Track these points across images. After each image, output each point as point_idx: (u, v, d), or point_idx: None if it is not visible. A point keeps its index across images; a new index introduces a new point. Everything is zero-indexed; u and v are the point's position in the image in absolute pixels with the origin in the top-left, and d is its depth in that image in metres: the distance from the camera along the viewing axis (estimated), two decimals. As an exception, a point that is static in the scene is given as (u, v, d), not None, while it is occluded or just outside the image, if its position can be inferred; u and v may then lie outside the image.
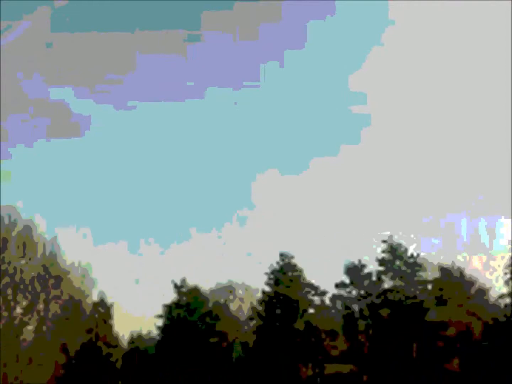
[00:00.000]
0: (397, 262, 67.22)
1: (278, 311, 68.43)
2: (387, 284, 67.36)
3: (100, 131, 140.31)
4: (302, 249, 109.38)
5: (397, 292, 65.34)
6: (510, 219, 73.31)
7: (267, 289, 71.10)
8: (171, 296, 74.11)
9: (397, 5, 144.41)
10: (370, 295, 67.73)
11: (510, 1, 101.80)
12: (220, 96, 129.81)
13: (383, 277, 67.33)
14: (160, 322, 77.03)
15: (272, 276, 71.10)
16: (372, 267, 68.70)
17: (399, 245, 67.91)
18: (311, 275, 71.65)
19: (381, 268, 67.72)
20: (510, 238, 67.23)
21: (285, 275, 70.62)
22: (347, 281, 70.63)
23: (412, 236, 71.04)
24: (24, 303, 63.90)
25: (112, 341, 70.15)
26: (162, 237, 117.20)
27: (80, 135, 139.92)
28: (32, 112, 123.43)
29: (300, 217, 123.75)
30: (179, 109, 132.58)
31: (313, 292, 70.05)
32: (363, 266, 70.74)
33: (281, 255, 71.53)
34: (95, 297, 71.00)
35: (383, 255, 67.71)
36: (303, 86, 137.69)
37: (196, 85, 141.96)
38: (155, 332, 78.49)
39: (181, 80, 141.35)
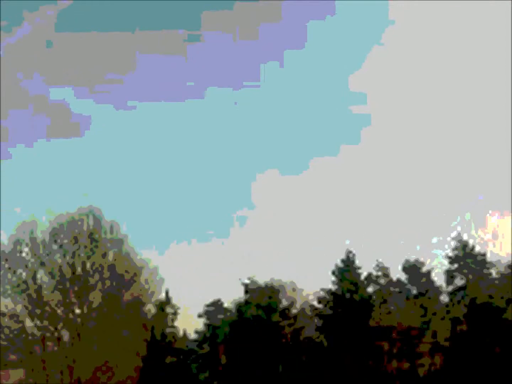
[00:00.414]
0: (468, 260, 67.48)
1: (347, 310, 67.87)
2: (458, 282, 67.57)
3: (100, 131, 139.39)
4: (302, 249, 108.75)
5: (471, 290, 65.36)
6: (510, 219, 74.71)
7: (331, 287, 70.82)
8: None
9: (397, 5, 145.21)
10: (440, 293, 68.16)
11: (510, 1, 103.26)
12: (220, 96, 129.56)
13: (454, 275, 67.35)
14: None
15: (337, 274, 70.52)
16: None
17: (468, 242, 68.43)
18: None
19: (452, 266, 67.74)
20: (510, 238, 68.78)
21: (350, 272, 70.28)
22: (404, 279, 71.09)
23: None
24: (97, 302, 62.28)
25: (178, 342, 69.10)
26: (162, 237, 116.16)
27: (80, 135, 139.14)
28: (32, 111, 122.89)
29: (300, 217, 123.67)
30: (179, 109, 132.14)
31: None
32: (422, 264, 71.20)
33: (348, 252, 71.08)
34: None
35: (455, 252, 67.81)
36: (303, 86, 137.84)
37: (196, 85, 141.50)
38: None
39: (181, 80, 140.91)
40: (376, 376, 63.16)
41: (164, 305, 69.86)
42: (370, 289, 70.65)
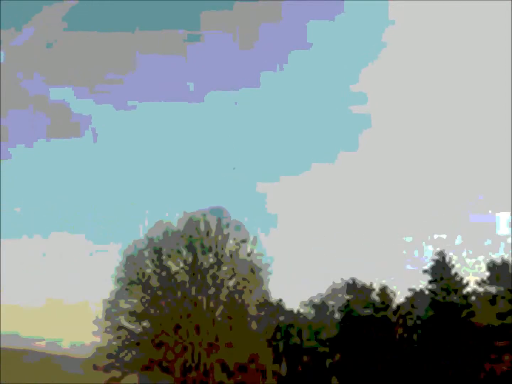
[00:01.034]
0: None
1: (442, 310, 68.31)
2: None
3: (100, 131, 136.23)
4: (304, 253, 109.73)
5: None
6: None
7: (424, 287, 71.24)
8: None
9: (398, 5, 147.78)
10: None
11: (510, 1, 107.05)
12: (220, 96, 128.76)
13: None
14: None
15: (431, 274, 70.87)
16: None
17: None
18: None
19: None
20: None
21: (442, 273, 70.79)
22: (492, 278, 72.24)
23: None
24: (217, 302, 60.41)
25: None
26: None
27: (80, 135, 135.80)
28: (32, 111, 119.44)
29: (301, 221, 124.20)
30: (179, 109, 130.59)
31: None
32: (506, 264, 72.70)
33: (439, 253, 71.53)
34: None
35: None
36: (303, 86, 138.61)
37: (196, 86, 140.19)
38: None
39: (181, 80, 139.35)
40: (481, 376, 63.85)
41: (263, 305, 67.93)
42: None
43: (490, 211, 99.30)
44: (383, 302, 67.68)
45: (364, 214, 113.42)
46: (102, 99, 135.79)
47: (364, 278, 73.37)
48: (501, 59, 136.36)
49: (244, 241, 60.09)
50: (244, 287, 61.81)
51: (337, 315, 74.43)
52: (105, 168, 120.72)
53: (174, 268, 59.33)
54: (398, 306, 69.12)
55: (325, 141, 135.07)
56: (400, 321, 67.23)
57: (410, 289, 72.49)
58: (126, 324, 60.98)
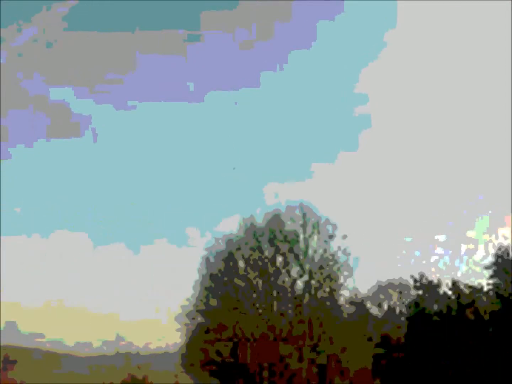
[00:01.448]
0: None
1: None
2: None
3: (100, 131, 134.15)
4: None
5: None
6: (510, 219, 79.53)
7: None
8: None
9: (398, 5, 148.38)
10: None
11: (510, 1, 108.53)
12: (220, 96, 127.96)
13: None
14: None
15: (495, 268, 69.86)
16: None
17: None
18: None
19: None
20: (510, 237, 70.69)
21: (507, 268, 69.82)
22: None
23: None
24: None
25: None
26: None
27: (80, 135, 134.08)
28: (32, 111, 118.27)
29: None
30: (179, 109, 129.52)
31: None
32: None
33: (499, 248, 70.58)
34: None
35: None
36: (303, 86, 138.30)
37: (196, 86, 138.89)
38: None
39: (181, 80, 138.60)
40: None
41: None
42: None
43: (490, 211, 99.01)
44: (458, 297, 65.73)
45: (364, 214, 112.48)
46: (102, 99, 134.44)
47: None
48: (501, 59, 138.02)
49: (331, 236, 58.20)
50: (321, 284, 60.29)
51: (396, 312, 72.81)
52: (105, 168, 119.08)
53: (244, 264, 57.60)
54: (471, 303, 67.47)
55: (325, 141, 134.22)
56: (471, 316, 65.50)
57: (465, 285, 71.19)
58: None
